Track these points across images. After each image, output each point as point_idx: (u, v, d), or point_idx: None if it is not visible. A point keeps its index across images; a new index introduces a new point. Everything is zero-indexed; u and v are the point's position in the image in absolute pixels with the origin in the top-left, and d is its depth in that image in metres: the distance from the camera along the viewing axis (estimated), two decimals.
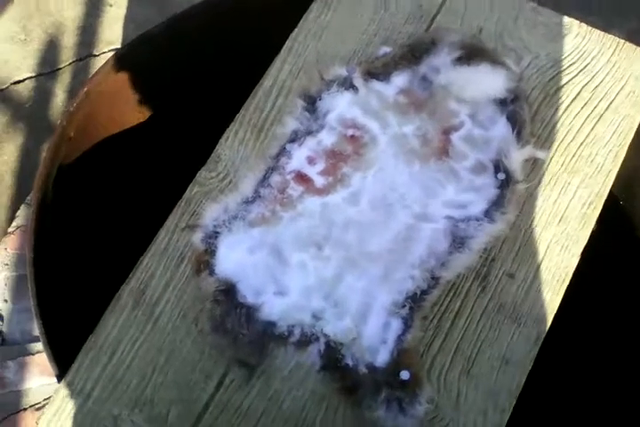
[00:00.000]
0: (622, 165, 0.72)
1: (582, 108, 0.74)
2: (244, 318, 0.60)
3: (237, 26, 0.87)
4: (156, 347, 0.63)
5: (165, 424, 0.61)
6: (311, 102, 0.70)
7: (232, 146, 0.70)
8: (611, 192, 0.71)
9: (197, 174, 0.69)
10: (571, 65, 0.76)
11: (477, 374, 0.62)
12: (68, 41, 1.47)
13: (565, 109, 0.74)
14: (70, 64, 1.45)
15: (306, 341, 0.61)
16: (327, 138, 0.69)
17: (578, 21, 0.78)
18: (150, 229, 0.66)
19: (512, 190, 0.68)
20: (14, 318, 1.24)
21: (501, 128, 0.71)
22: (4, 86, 1.43)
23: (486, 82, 0.72)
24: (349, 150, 0.68)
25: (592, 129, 0.73)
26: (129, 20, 1.49)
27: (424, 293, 0.63)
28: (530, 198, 0.69)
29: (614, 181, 0.71)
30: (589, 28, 0.78)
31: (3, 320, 1.24)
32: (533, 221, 0.68)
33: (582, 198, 0.70)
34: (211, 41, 0.87)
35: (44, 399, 1.20)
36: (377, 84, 0.72)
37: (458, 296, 0.65)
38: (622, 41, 0.77)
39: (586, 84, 0.75)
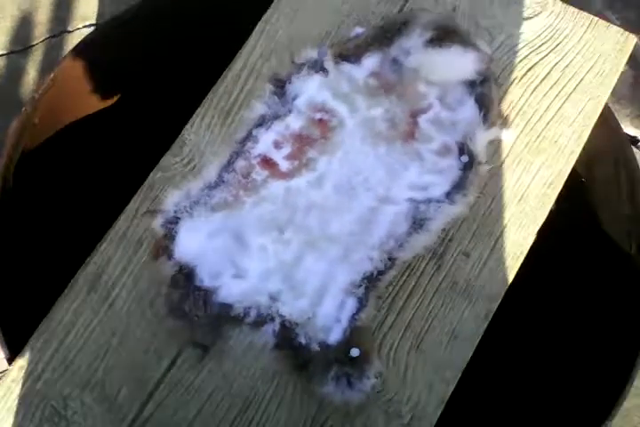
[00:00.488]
0: (585, 145, 0.73)
1: (551, 88, 0.75)
2: (200, 302, 0.63)
3: (209, 9, 0.88)
4: (109, 330, 0.66)
5: (115, 403, 0.64)
6: (280, 86, 0.72)
7: (198, 131, 0.71)
8: (574, 170, 0.74)
9: (161, 160, 0.70)
10: (542, 44, 0.76)
11: (426, 350, 0.65)
12: (42, 17, 1.44)
13: (534, 90, 0.75)
14: (43, 41, 1.43)
15: (261, 321, 0.64)
16: (295, 122, 0.70)
17: None
18: (112, 217, 0.68)
19: (475, 172, 0.70)
20: None
21: (469, 110, 0.72)
22: None
23: (457, 64, 0.73)
24: (317, 134, 0.70)
25: (559, 109, 0.74)
26: None
27: (380, 273, 0.66)
28: (492, 179, 0.71)
29: (577, 160, 0.73)
30: (564, 5, 0.78)
31: None
32: (493, 201, 0.71)
33: (543, 178, 0.72)
34: (182, 25, 0.87)
35: None
36: (348, 67, 0.73)
37: (413, 275, 0.68)
38: (596, 18, 0.77)
39: (556, 64, 0.75)
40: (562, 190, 0.72)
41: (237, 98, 0.73)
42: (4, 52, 1.42)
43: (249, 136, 0.70)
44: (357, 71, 0.73)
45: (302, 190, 0.68)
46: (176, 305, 0.63)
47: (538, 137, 0.73)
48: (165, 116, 0.78)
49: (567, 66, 0.75)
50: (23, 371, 0.65)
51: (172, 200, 0.67)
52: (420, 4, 0.77)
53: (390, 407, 0.64)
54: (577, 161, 0.73)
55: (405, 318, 0.67)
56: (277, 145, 0.70)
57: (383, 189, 0.69)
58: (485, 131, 0.72)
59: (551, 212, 0.72)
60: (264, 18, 0.76)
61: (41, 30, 1.44)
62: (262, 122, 0.70)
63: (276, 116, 0.70)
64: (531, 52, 0.76)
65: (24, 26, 1.44)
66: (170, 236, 0.66)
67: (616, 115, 0.81)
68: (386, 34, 0.74)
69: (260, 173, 0.69)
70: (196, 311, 0.63)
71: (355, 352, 0.63)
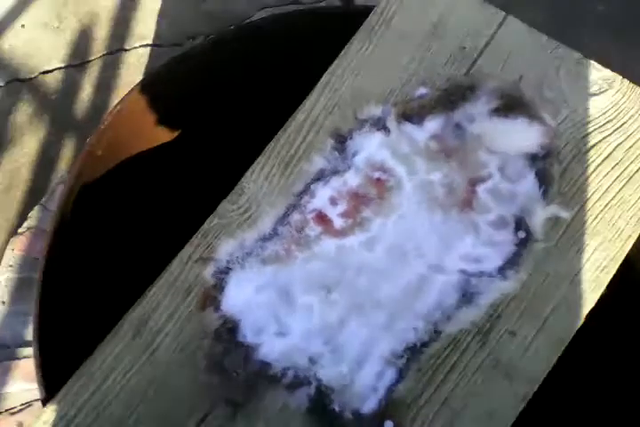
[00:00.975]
0: None
1: (613, 168, 0.73)
2: (241, 358, 0.61)
3: (274, 53, 0.87)
4: (147, 379, 0.64)
5: None
6: (341, 141, 0.71)
7: (257, 180, 0.71)
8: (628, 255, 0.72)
9: (219, 206, 0.69)
10: (607, 122, 0.75)
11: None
12: (101, 32, 1.46)
13: (595, 169, 0.73)
14: (100, 57, 1.44)
15: (298, 383, 0.62)
16: (353, 179, 0.70)
17: (620, 77, 0.77)
18: (164, 257, 0.67)
19: (529, 249, 0.69)
20: (7, 321, 1.23)
21: (529, 184, 0.71)
22: (32, 75, 1.41)
23: (521, 136, 0.72)
24: (373, 193, 0.69)
25: (619, 191, 0.73)
26: (163, 14, 1.48)
27: (424, 345, 0.64)
28: (546, 257, 0.70)
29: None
30: (631, 84, 0.77)
31: None
32: (545, 280, 0.69)
33: (597, 261, 0.70)
34: (245, 67, 0.87)
35: (21, 405, 1.19)
36: (409, 127, 0.72)
37: (456, 350, 0.66)
38: None
39: (619, 144, 0.74)
40: (614, 275, 0.70)
41: (298, 149, 0.72)
42: (62, 65, 1.44)
43: (306, 190, 0.69)
44: (419, 133, 0.72)
45: (354, 250, 0.67)
46: (216, 359, 0.62)
47: (595, 218, 0.72)
48: (226, 158, 0.76)
49: (631, 147, 0.74)
50: (56, 413, 0.64)
51: (225, 249, 0.66)
52: (486, 69, 0.76)
53: None
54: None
55: (443, 393, 0.65)
56: (333, 201, 0.69)
57: (435, 257, 0.68)
58: (544, 207, 0.70)
59: (602, 297, 0.69)
60: (329, 70, 0.75)
61: (99, 46, 1.45)
62: (321, 176, 0.70)
63: (335, 172, 0.69)
64: (594, 130, 0.75)
65: (83, 40, 1.45)
66: (219, 286, 0.65)
67: None
68: (450, 97, 0.74)
69: (313, 229, 0.67)
70: (235, 368, 0.61)
71: (388, 425, 0.60)
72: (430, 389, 0.65)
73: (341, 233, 0.67)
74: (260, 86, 0.88)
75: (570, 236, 0.71)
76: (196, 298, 0.66)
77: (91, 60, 1.44)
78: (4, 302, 1.24)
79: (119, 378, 0.65)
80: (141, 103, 0.84)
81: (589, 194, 0.72)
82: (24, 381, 1.20)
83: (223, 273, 0.65)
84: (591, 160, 0.74)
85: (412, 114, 0.73)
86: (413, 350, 0.64)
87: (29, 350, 1.21)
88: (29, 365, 1.20)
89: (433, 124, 0.72)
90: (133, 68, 1.44)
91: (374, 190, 0.69)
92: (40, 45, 1.43)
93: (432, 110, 0.73)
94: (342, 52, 0.76)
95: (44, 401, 0.65)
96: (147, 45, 1.46)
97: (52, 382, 0.66)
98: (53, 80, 1.42)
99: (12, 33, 1.43)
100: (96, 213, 0.84)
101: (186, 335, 0.65)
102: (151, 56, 1.45)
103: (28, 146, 1.37)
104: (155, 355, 0.65)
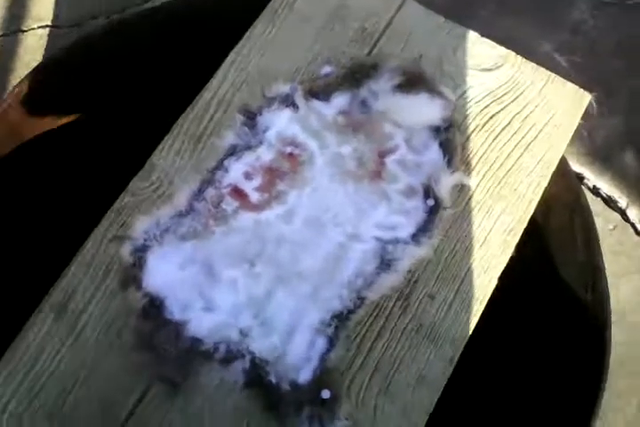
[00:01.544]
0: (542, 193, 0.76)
1: (512, 137, 0.77)
2: (171, 335, 0.60)
3: (180, 34, 0.87)
4: (77, 361, 0.63)
5: None
6: (251, 117, 0.71)
7: (167, 156, 0.70)
8: (532, 217, 0.75)
9: (130, 184, 0.68)
10: (504, 95, 0.79)
11: (394, 392, 0.64)
12: None
13: (495, 138, 0.77)
14: None
15: (231, 358, 0.62)
16: (265, 154, 0.70)
17: (514, 53, 0.81)
18: (80, 240, 0.65)
19: (439, 215, 0.71)
20: None
21: (433, 154, 0.74)
22: None
23: (423, 111, 0.74)
24: (286, 167, 0.70)
25: (518, 158, 0.76)
26: None
27: (350, 312, 0.65)
28: (455, 223, 0.72)
29: (535, 208, 0.75)
30: (524, 59, 0.81)
31: None
32: (457, 244, 0.71)
33: (504, 225, 0.73)
34: (153, 46, 0.86)
35: None
36: (317, 104, 0.73)
37: (381, 316, 0.67)
38: (553, 74, 0.81)
39: (516, 114, 0.78)
40: (521, 237, 0.73)
41: (207, 126, 0.71)
42: None
43: (220, 165, 0.68)
44: (327, 109, 0.74)
45: (272, 223, 0.67)
46: (145, 338, 0.60)
47: (499, 184, 0.75)
48: (135, 140, 0.74)
49: (527, 117, 0.78)
50: None
51: (141, 227, 0.64)
52: (387, 48, 0.79)
53: None
54: (535, 209, 0.75)
55: (374, 359, 0.65)
56: (248, 176, 0.68)
57: (352, 226, 0.69)
58: (449, 175, 0.73)
59: (511, 258, 0.73)
60: (235, 49, 0.75)
61: None
62: (233, 152, 0.69)
63: (247, 147, 0.69)
64: (493, 102, 0.78)
65: None
66: (139, 264, 0.63)
67: None
68: (355, 75, 0.76)
69: (230, 204, 0.67)
70: (165, 345, 0.60)
71: (325, 394, 0.61)
72: (361, 356, 0.65)
73: (258, 207, 0.67)
74: (168, 66, 0.87)
75: (476, 201, 0.73)
76: (116, 277, 0.64)
77: None
78: None
79: (47, 364, 0.62)
80: (42, 84, 0.80)
81: (491, 162, 0.76)
82: None
83: (141, 251, 0.64)
84: (491, 130, 0.77)
85: (319, 91, 0.74)
86: (340, 318, 0.64)
87: None
88: None
89: (340, 101, 0.74)
90: (32, 49, 1.39)
91: (288, 164, 0.70)
92: None
93: (338, 87, 0.75)
94: (246, 35, 0.77)
95: None
96: (45, 26, 1.41)
97: None
98: None
99: None
100: (2, 197, 0.80)
101: (110, 315, 0.63)
102: (50, 37, 1.40)
103: None
104: (80, 337, 0.63)
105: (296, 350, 0.63)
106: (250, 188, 0.68)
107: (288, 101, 0.72)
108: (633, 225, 1.37)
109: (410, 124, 0.74)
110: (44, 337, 0.63)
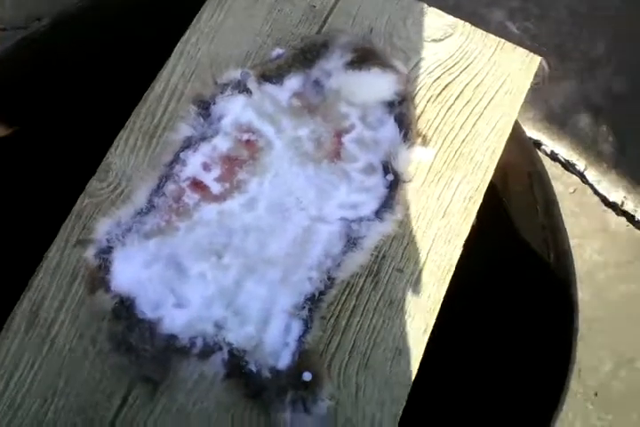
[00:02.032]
0: (499, 160, 0.77)
1: (465, 106, 0.78)
2: (146, 334, 0.60)
3: (126, 26, 0.85)
4: (54, 370, 0.63)
5: None
6: (205, 107, 0.70)
7: (122, 154, 0.69)
8: (492, 184, 0.77)
9: (87, 185, 0.67)
10: (455, 64, 0.79)
11: (374, 368, 0.66)
12: None
13: (449, 108, 0.77)
14: None
15: (209, 351, 0.62)
16: (222, 143, 0.69)
17: (462, 21, 0.81)
18: (44, 245, 0.65)
19: (400, 190, 0.72)
20: None
21: (389, 130, 0.74)
22: None
23: (376, 86, 0.74)
24: (245, 155, 0.69)
25: (473, 126, 0.77)
26: None
27: (322, 293, 0.65)
28: (416, 196, 0.73)
29: (494, 175, 0.76)
30: (472, 27, 0.81)
31: None
32: (419, 217, 0.73)
33: (463, 193, 0.74)
34: (100, 43, 0.84)
35: None
36: (270, 88, 0.73)
37: (353, 294, 0.68)
38: (502, 40, 0.81)
39: (468, 83, 0.79)
40: (482, 205, 0.75)
41: (161, 120, 0.71)
42: None
43: (176, 159, 0.67)
44: (280, 92, 0.73)
45: (236, 213, 0.67)
46: (120, 340, 0.60)
47: (455, 154, 0.76)
48: (89, 140, 0.74)
49: (478, 85, 0.79)
50: None
51: (102, 228, 0.64)
52: (337, 25, 0.78)
53: None
54: (494, 176, 0.76)
55: (350, 337, 0.67)
56: (206, 167, 0.68)
57: (315, 208, 0.69)
58: (407, 149, 0.73)
59: (473, 226, 0.74)
60: (183, 39, 0.74)
61: None
62: (189, 144, 0.68)
63: (203, 138, 0.69)
64: (444, 72, 0.79)
65: None
66: (104, 267, 0.63)
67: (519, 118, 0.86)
68: (306, 55, 0.75)
69: (191, 197, 0.66)
70: (141, 345, 0.60)
71: (307, 376, 0.62)
72: (337, 335, 0.67)
73: (220, 197, 0.67)
74: (116, 63, 0.86)
75: (435, 173, 0.74)
76: (83, 282, 0.64)
77: None
78: None
79: (25, 375, 0.63)
80: None
81: (446, 133, 0.76)
82: None
83: (105, 253, 0.63)
84: (444, 100, 0.78)
85: (272, 74, 0.73)
86: (313, 300, 0.65)
87: None
88: None
89: (292, 83, 0.73)
90: None
91: (246, 152, 0.70)
92: None
93: (290, 69, 0.74)
94: (193, 22, 0.76)
95: None
96: None
97: None
98: None
99: None
100: None
101: (82, 321, 0.63)
102: None
103: None
104: (54, 346, 0.63)
105: (273, 337, 0.63)
106: (210, 179, 0.68)
107: (240, 87, 0.71)
108: (592, 186, 1.40)
109: (364, 101, 0.74)
110: (17, 350, 0.63)
